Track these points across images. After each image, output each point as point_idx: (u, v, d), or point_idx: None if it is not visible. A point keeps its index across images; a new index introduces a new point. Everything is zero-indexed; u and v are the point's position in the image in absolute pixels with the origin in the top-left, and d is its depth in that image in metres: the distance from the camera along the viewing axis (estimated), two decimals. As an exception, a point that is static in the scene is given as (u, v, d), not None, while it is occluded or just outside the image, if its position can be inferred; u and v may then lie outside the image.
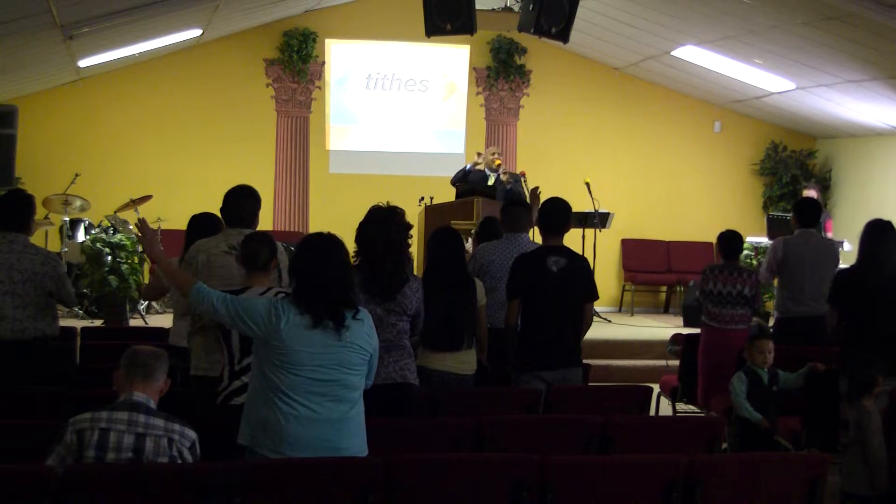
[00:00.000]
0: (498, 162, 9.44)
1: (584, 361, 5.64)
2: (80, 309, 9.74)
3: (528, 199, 7.51)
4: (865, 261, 5.68)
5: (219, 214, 5.14)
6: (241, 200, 4.96)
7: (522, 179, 9.45)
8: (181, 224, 5.87)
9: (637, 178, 12.76)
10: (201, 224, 5.48)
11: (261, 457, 3.68)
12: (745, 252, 10.31)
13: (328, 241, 3.86)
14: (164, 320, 8.61)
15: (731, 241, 6.66)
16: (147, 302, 10.07)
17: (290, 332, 3.69)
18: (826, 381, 5.54)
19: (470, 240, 7.48)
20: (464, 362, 5.33)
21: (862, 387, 4.83)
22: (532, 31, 8.86)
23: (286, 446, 3.67)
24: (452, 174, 9.70)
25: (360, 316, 3.84)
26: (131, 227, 10.33)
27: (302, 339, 3.70)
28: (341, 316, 3.74)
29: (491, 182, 9.30)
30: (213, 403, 4.28)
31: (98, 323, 9.41)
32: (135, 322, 9.72)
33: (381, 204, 4.73)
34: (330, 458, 3.74)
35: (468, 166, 9.55)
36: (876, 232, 5.69)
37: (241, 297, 3.91)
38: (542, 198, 6.00)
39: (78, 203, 10.31)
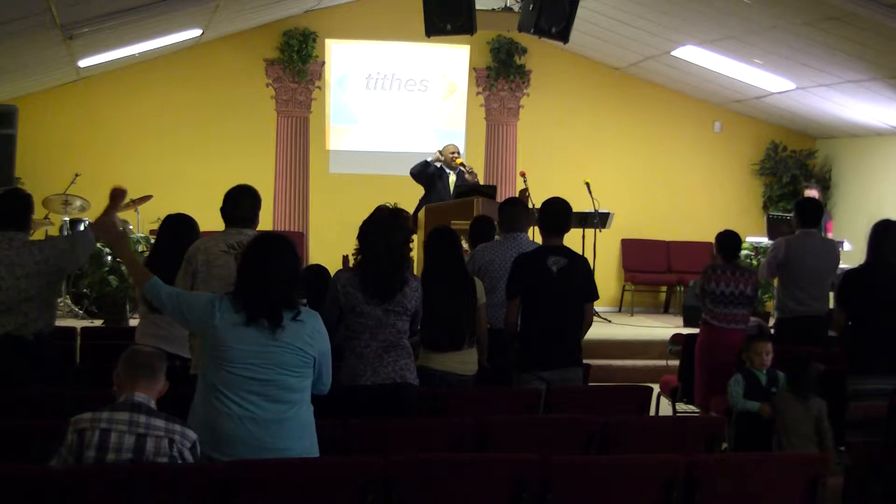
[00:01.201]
0: (459, 161, 9.53)
1: (584, 361, 5.63)
2: (80, 309, 9.73)
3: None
4: (873, 261, 5.71)
5: (219, 214, 5.13)
6: (241, 200, 4.95)
7: (523, 178, 9.49)
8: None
9: (637, 177, 12.75)
10: (175, 226, 5.49)
11: (203, 456, 3.65)
12: (745, 252, 10.32)
13: (274, 241, 3.85)
14: (164, 320, 8.59)
15: (731, 241, 6.68)
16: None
17: (224, 328, 3.70)
18: (826, 382, 5.54)
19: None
20: (465, 362, 5.33)
21: (806, 386, 5.26)
22: (532, 31, 8.86)
23: (223, 444, 3.67)
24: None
25: (302, 318, 3.79)
26: (131, 227, 10.34)
27: (235, 336, 3.70)
28: (277, 316, 3.72)
29: (452, 180, 9.41)
30: None
31: (98, 323, 9.40)
32: (135, 322, 9.69)
33: (387, 204, 4.73)
34: (330, 458, 3.74)
35: (430, 159, 9.60)
36: (884, 232, 5.72)
37: (190, 293, 3.94)
38: (542, 198, 5.96)
39: (78, 203, 10.31)
